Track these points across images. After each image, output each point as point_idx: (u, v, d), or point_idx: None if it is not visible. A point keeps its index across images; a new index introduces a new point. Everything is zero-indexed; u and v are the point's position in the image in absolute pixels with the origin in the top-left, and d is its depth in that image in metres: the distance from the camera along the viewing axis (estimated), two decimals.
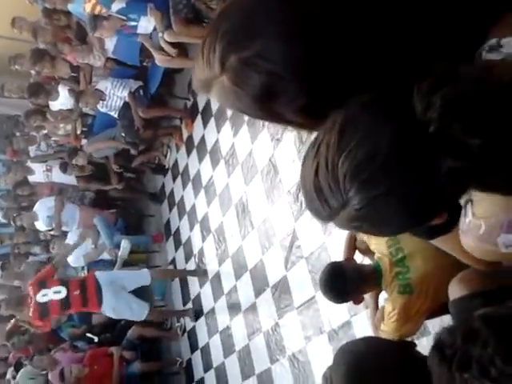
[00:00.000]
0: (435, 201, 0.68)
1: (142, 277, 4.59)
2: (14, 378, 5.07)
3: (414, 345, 1.63)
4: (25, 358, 4.90)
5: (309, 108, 0.75)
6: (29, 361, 4.86)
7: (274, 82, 0.72)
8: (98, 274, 4.46)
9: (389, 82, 0.69)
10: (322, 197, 0.69)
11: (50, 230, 5.88)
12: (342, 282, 1.81)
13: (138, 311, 4.45)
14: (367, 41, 0.72)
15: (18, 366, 5.10)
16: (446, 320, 1.96)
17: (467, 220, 0.86)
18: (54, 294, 4.18)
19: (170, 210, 5.69)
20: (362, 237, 1.96)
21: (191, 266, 5.08)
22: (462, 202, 0.87)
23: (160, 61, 4.44)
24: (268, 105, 0.75)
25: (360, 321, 2.80)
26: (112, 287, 4.35)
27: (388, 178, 0.65)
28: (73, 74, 5.29)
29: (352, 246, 2.03)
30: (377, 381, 1.36)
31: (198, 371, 4.81)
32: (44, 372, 4.86)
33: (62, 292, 4.19)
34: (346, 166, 0.65)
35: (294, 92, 0.73)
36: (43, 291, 4.16)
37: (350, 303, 2.09)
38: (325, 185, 0.68)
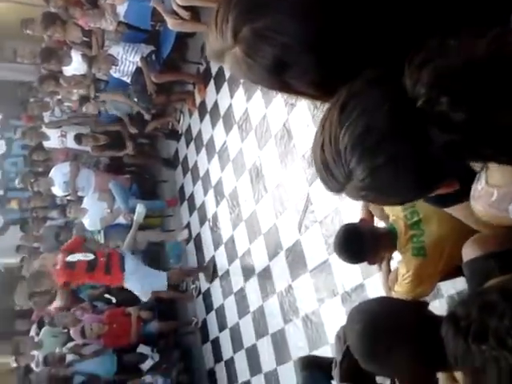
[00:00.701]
0: (434, 171, 0.71)
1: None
2: (37, 334, 5.29)
3: (427, 304, 1.67)
4: (47, 317, 5.09)
5: (320, 81, 0.77)
6: (49, 322, 5.06)
7: (286, 55, 0.73)
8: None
9: (396, 58, 0.70)
10: (328, 171, 0.73)
11: (66, 196, 5.99)
12: (358, 243, 1.85)
13: (160, 281, 4.69)
14: (380, 15, 0.72)
15: (40, 324, 5.32)
16: (458, 283, 2.01)
17: (479, 187, 0.89)
18: (82, 256, 4.39)
19: (184, 175, 5.73)
20: None
21: (206, 229, 5.17)
22: (476, 169, 0.89)
23: (172, 25, 4.38)
24: (280, 77, 0.76)
25: (373, 283, 2.85)
26: (133, 260, 4.64)
27: (386, 149, 0.68)
28: (85, 39, 5.25)
29: (368, 208, 2.06)
30: (392, 339, 1.39)
31: (213, 331, 4.97)
32: (65, 330, 5.07)
33: (90, 256, 4.43)
34: (347, 138, 0.69)
35: (307, 65, 0.74)
36: (72, 255, 4.37)
37: (364, 265, 2.14)
38: (330, 159, 0.72)
